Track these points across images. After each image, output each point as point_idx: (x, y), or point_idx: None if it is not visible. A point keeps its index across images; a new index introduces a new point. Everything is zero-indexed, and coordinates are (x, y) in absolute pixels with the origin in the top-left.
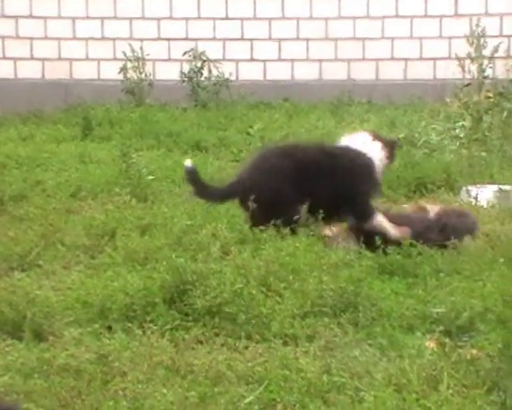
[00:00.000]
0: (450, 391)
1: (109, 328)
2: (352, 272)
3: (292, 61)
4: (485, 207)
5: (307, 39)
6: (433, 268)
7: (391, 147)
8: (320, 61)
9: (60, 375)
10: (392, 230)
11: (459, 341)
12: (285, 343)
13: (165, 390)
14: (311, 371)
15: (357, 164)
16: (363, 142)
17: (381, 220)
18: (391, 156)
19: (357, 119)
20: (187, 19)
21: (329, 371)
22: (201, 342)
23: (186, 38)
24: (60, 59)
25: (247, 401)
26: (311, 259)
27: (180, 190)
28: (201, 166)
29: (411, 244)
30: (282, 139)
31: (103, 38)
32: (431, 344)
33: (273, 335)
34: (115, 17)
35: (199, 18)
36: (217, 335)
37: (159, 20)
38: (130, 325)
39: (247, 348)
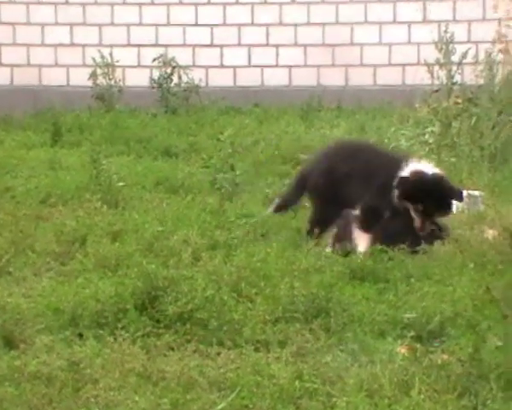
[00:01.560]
0: (422, 396)
1: (80, 335)
2: (323, 278)
3: (262, 66)
4: (454, 212)
5: (277, 45)
6: (403, 273)
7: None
8: (290, 66)
9: (31, 382)
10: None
11: (430, 346)
12: (257, 349)
13: (136, 397)
14: (283, 376)
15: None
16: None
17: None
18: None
19: (327, 124)
20: (156, 25)
21: (301, 377)
22: (173, 349)
23: (156, 45)
24: (29, 65)
25: (219, 407)
26: (283, 264)
27: (151, 195)
28: (171, 171)
29: (382, 250)
30: (252, 144)
31: (72, 45)
32: (402, 349)
33: (245, 341)
34: (84, 23)
35: (168, 24)
36: (188, 341)
37: (128, 26)
38: (101, 331)
39: (218, 354)
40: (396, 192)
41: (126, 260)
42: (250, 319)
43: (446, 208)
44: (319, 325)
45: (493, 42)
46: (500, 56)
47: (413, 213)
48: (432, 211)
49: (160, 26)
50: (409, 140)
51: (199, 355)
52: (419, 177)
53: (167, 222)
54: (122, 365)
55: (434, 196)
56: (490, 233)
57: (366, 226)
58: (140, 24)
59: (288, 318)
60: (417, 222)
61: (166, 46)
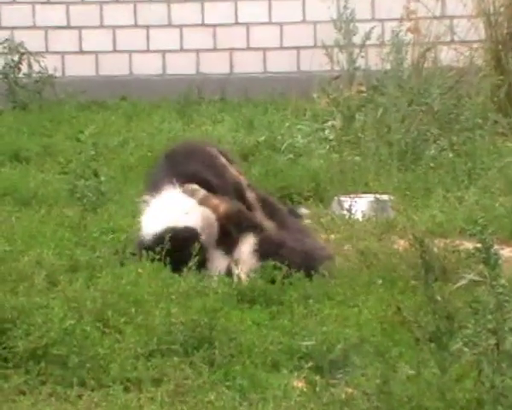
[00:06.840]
0: None
1: None
2: (205, 302)
3: (130, 52)
4: (360, 220)
5: (147, 26)
6: (300, 294)
7: None
8: (163, 51)
9: None
10: None
11: (332, 378)
12: (126, 389)
13: None
14: None
15: None
16: None
17: None
18: None
19: (209, 119)
20: (0, 4)
21: None
22: (24, 393)
23: None
24: None
25: None
26: (157, 287)
27: None
28: (22, 179)
29: (275, 267)
30: (120, 145)
31: None
32: (299, 383)
33: (112, 380)
34: None
35: (14, 2)
36: (43, 383)
37: None
38: None
39: (80, 397)
40: None
41: None
42: (118, 353)
43: None
44: (201, 358)
45: (401, 19)
46: (409, 36)
47: None
48: None
49: (4, 5)
50: (306, 137)
51: (56, 399)
52: None
53: (17, 240)
54: None
55: None
56: (401, 244)
57: None
58: None
59: (165, 350)
60: None
61: (12, 29)
